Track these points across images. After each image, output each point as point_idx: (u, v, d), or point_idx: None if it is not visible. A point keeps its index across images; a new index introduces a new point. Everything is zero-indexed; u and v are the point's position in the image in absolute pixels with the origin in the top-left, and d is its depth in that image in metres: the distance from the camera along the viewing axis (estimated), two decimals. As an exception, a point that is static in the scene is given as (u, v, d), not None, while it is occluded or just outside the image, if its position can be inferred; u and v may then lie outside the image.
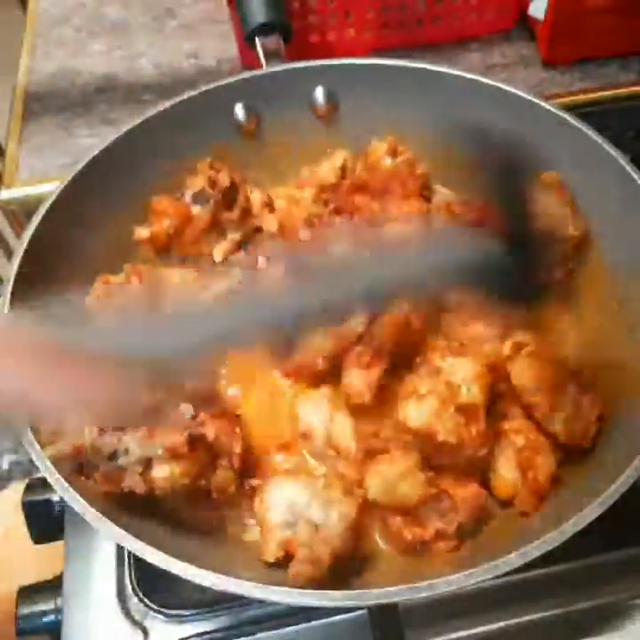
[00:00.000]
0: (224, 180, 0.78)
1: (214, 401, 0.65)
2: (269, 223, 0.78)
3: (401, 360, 0.67)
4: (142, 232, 0.76)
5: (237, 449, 0.61)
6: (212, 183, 0.77)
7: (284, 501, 0.59)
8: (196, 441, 0.58)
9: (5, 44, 1.37)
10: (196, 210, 0.76)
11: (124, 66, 1.12)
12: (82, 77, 1.11)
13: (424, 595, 0.50)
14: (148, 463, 0.57)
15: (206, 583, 0.51)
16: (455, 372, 0.63)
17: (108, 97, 1.08)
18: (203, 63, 1.12)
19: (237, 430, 0.62)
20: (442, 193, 0.82)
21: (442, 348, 0.66)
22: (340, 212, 0.71)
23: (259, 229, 0.80)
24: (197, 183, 0.77)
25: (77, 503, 0.54)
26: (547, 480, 0.62)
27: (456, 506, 0.60)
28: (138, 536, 0.53)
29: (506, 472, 0.63)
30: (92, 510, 0.53)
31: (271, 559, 0.57)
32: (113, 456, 0.58)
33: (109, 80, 1.10)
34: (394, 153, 0.79)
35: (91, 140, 1.01)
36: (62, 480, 0.55)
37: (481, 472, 0.64)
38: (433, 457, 0.62)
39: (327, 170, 0.81)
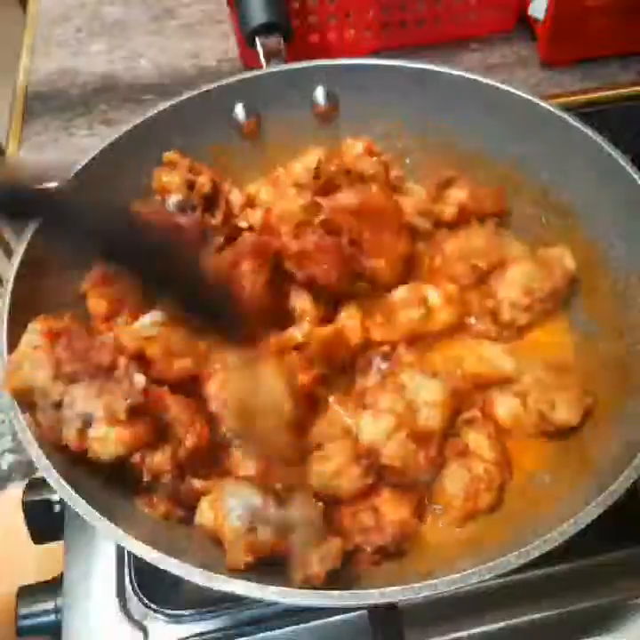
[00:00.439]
0: (205, 185, 0.76)
1: (194, 387, 0.65)
2: (252, 219, 0.77)
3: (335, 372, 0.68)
4: None
5: (189, 442, 0.60)
6: (191, 185, 0.75)
7: (239, 507, 0.58)
8: (138, 412, 0.57)
9: (5, 44, 1.37)
10: (182, 220, 0.74)
11: (124, 66, 1.12)
12: (82, 77, 1.11)
13: (424, 595, 0.50)
14: (88, 422, 0.57)
15: (207, 584, 0.51)
16: (420, 392, 0.63)
17: (107, 97, 1.08)
18: (203, 63, 1.12)
19: (198, 426, 0.61)
20: (416, 191, 0.81)
21: (410, 365, 0.66)
22: (328, 226, 0.70)
23: (239, 229, 0.78)
24: (174, 181, 0.75)
25: (77, 503, 0.54)
26: (484, 509, 0.63)
27: (380, 527, 0.60)
28: (137, 537, 0.53)
29: (451, 486, 0.63)
30: (92, 510, 0.53)
31: (242, 566, 0.56)
32: (58, 404, 0.57)
33: (109, 80, 1.10)
34: (371, 153, 0.78)
35: (91, 140, 1.01)
36: (62, 480, 0.55)
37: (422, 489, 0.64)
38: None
39: (301, 169, 0.79)
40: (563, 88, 1.03)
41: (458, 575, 0.50)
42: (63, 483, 0.55)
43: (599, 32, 1.02)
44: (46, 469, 0.55)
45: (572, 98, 1.01)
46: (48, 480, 0.55)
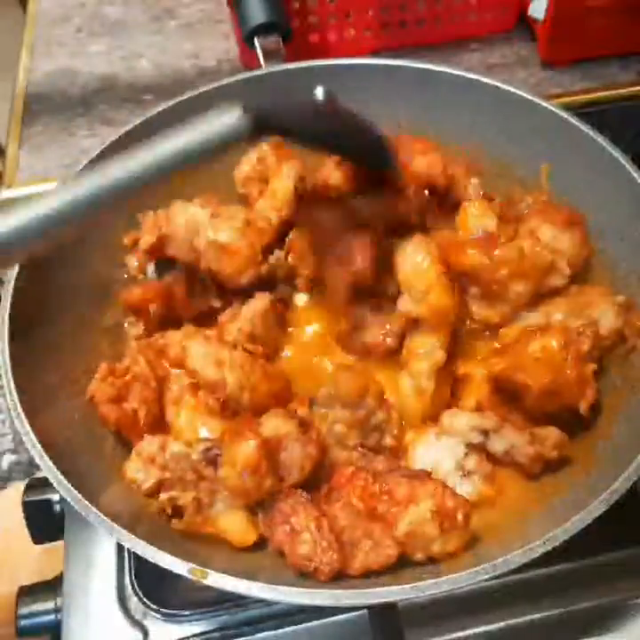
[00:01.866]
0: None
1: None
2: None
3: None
4: (133, 331, 0.73)
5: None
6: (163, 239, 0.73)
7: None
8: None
9: (5, 44, 1.37)
10: (167, 281, 0.73)
11: (124, 66, 1.12)
12: (82, 77, 1.11)
13: (424, 595, 0.50)
14: None
15: (210, 583, 0.51)
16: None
17: (107, 97, 1.08)
18: (203, 63, 1.12)
19: None
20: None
21: None
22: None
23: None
24: (147, 241, 0.73)
25: (79, 503, 0.54)
26: None
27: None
28: (139, 536, 0.53)
29: None
30: (95, 510, 0.53)
31: None
32: None
33: (109, 80, 1.10)
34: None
35: (91, 140, 1.01)
36: (64, 480, 0.55)
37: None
38: None
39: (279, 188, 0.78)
40: (563, 88, 1.03)
41: (458, 575, 0.50)
42: (65, 483, 0.55)
43: (599, 32, 1.02)
44: (47, 469, 0.55)
45: (573, 98, 1.01)
46: (49, 480, 0.55)
